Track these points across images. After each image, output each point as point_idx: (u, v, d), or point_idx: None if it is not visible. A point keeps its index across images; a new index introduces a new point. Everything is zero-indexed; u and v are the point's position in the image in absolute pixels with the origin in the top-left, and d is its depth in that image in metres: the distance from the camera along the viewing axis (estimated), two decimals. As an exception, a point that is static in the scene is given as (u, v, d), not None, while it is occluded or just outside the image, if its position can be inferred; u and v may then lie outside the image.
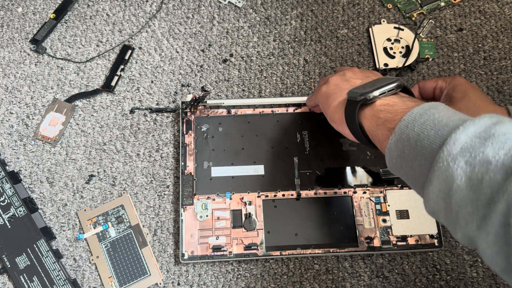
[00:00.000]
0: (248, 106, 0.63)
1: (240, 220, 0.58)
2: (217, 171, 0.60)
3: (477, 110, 0.50)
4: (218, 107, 0.63)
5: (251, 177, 0.60)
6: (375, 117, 0.42)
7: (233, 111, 0.63)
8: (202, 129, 0.62)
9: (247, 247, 0.57)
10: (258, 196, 0.59)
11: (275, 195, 0.59)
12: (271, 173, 0.60)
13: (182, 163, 0.60)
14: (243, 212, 0.59)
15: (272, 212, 0.59)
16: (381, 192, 0.60)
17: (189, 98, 0.60)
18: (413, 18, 0.70)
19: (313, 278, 0.58)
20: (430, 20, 0.68)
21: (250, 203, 0.59)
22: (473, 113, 0.50)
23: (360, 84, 0.47)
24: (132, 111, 0.56)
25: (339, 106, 0.48)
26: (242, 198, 0.59)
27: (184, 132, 0.62)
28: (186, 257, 0.57)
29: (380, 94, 0.43)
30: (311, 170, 0.60)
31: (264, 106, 0.63)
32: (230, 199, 0.59)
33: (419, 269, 0.59)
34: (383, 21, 0.70)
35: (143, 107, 0.62)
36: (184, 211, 0.59)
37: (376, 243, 0.58)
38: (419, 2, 0.71)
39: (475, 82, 0.67)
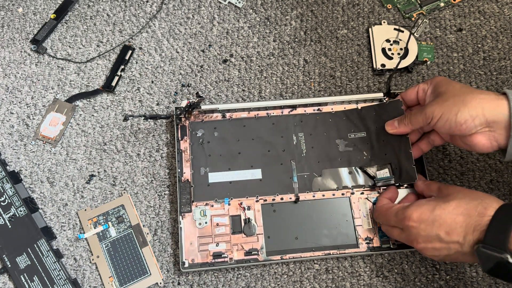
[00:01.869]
0: (243, 109, 0.63)
1: (239, 226, 0.58)
2: (214, 177, 0.60)
3: (463, 95, 0.50)
4: (212, 111, 0.62)
5: (248, 182, 0.60)
6: None
7: (228, 114, 0.63)
8: (197, 135, 0.62)
9: (248, 253, 0.57)
10: (257, 201, 0.59)
11: (273, 199, 0.59)
12: (269, 177, 0.60)
13: (179, 170, 0.60)
14: (242, 217, 0.58)
15: (271, 216, 0.59)
16: (378, 192, 0.60)
17: (183, 103, 0.60)
18: (413, 19, 0.70)
19: (313, 278, 0.58)
20: (425, 20, 0.68)
21: (249, 208, 0.59)
22: (460, 97, 0.50)
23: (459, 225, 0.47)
24: (125, 119, 0.55)
25: (460, 254, 0.48)
26: (241, 203, 0.59)
27: (179, 138, 0.61)
28: (186, 265, 0.56)
29: None
30: (308, 172, 0.60)
31: (259, 109, 0.63)
32: (229, 204, 0.59)
33: (418, 269, 0.59)
34: (384, 21, 0.70)
35: (137, 114, 0.61)
36: (182, 219, 0.58)
37: (376, 243, 0.58)
38: (419, 2, 0.71)
39: (474, 82, 0.67)
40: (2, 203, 0.59)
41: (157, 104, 0.65)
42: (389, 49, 0.68)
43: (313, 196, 0.59)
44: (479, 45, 0.69)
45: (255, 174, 0.60)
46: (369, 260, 0.59)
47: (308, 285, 0.58)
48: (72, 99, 0.65)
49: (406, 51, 0.67)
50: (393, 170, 0.59)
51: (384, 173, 0.59)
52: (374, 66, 0.67)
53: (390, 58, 0.67)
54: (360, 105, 0.63)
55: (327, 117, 0.63)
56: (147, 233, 0.59)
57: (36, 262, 0.57)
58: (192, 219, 0.58)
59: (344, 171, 0.60)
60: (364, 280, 0.58)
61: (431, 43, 0.69)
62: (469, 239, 0.46)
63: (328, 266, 0.59)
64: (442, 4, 0.71)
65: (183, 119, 0.62)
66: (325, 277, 0.58)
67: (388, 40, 0.68)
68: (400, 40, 0.68)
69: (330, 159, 0.61)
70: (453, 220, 0.47)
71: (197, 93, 0.56)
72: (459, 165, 0.63)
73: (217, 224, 0.58)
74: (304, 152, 0.61)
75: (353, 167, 0.61)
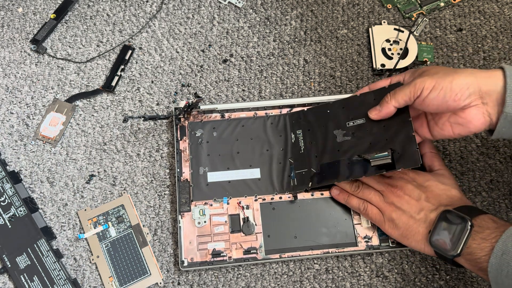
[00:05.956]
0: (242, 109, 0.63)
1: (238, 225, 0.58)
2: (213, 176, 0.60)
3: (453, 69, 0.49)
4: (211, 111, 0.63)
5: (247, 181, 0.60)
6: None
7: (226, 114, 0.63)
8: (196, 135, 0.62)
9: (247, 251, 0.57)
10: (256, 200, 0.59)
11: (272, 198, 0.59)
12: (267, 176, 0.60)
13: (178, 170, 0.60)
14: (241, 216, 0.59)
15: (270, 215, 0.59)
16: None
17: (182, 104, 0.60)
18: (413, 19, 0.70)
19: (313, 278, 0.58)
20: (425, 18, 0.68)
21: (247, 207, 0.59)
22: (450, 70, 0.49)
23: (421, 211, 0.52)
24: (125, 120, 0.56)
25: (423, 242, 0.52)
26: (240, 203, 0.59)
27: (178, 138, 0.62)
28: (185, 264, 0.56)
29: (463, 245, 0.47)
30: (306, 168, 0.60)
31: (257, 108, 0.63)
32: (228, 204, 0.59)
33: (418, 269, 0.59)
34: (384, 21, 0.70)
35: (136, 116, 0.61)
36: (181, 218, 0.58)
37: (375, 241, 0.58)
38: (419, 2, 0.71)
39: (474, 82, 0.67)
40: (2, 203, 0.59)
41: (157, 104, 0.65)
42: (389, 49, 0.68)
43: (312, 195, 0.59)
44: (479, 45, 0.69)
45: (254, 173, 0.60)
46: (369, 260, 0.59)
47: (308, 285, 0.58)
48: (72, 99, 0.65)
49: (406, 51, 0.67)
50: (395, 155, 0.54)
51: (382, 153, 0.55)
52: (374, 66, 0.67)
53: (390, 58, 0.67)
54: (359, 92, 0.60)
55: (325, 109, 0.60)
56: (147, 233, 0.59)
57: (36, 262, 0.57)
58: (191, 218, 0.58)
59: (342, 164, 0.57)
60: (364, 280, 0.58)
61: (431, 43, 0.69)
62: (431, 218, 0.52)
63: (328, 266, 0.59)
64: (442, 4, 0.71)
65: (182, 120, 0.62)
66: (325, 277, 0.58)
67: (388, 40, 0.68)
68: (400, 40, 0.68)
69: (328, 152, 0.58)
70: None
71: (195, 93, 0.57)
72: (459, 165, 0.63)
73: (216, 223, 0.58)
74: (302, 148, 0.61)
75: (353, 158, 0.57)
